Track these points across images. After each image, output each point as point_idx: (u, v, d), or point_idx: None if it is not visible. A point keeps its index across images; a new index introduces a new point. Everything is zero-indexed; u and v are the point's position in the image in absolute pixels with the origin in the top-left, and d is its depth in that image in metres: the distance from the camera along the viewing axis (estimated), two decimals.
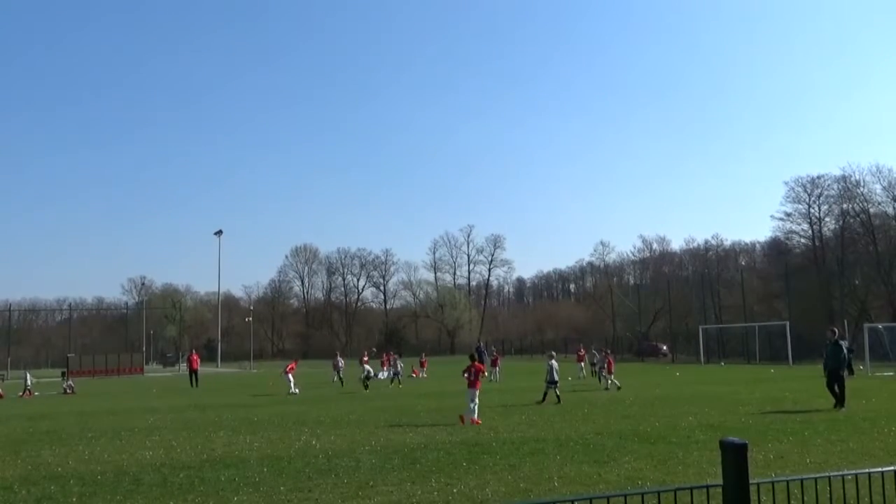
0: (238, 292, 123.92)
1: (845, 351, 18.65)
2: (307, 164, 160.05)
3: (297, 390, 28.78)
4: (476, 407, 15.74)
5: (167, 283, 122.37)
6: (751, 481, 3.34)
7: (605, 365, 27.17)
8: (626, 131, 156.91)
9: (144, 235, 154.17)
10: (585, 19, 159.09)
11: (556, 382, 20.59)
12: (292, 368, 30.83)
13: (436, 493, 8.29)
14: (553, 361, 20.92)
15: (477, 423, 15.22)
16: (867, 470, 3.98)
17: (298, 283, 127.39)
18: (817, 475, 4.04)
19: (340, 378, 33.46)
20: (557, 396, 20.36)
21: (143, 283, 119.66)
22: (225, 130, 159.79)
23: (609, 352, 30.57)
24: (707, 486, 3.38)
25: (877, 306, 58.79)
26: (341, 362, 34.89)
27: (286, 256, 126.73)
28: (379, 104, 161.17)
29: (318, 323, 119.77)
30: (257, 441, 13.38)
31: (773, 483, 3.73)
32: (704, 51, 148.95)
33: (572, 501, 3.17)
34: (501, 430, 14.25)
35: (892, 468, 3.99)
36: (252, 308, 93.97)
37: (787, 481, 3.85)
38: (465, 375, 16.39)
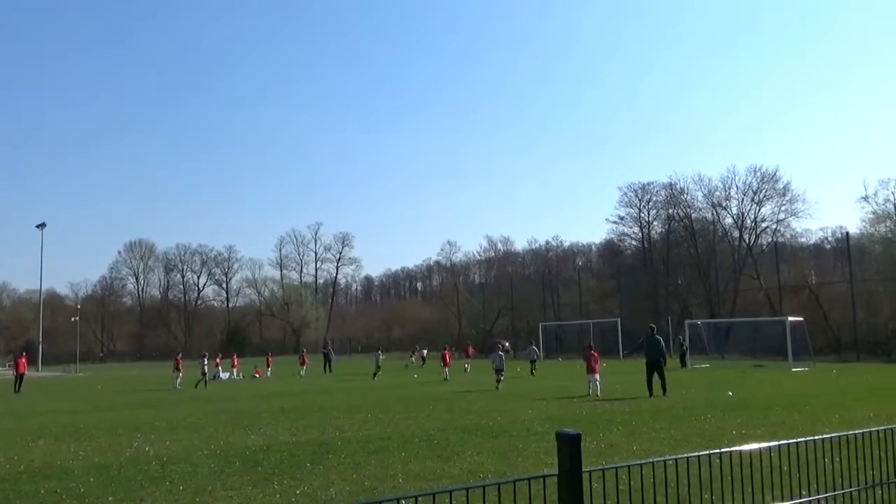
0: (63, 290, 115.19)
1: (663, 344, 20.90)
2: (146, 154, 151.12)
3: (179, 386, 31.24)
4: (598, 385, 20.56)
5: None
6: (584, 469, 3.50)
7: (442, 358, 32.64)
8: (470, 130, 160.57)
9: None
10: (424, 19, 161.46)
11: (501, 370, 24.98)
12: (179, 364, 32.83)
13: (278, 495, 8.08)
14: (502, 353, 25.63)
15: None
16: (685, 455, 4.30)
17: (133, 280, 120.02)
18: (643, 461, 4.32)
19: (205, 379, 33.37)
20: (498, 383, 24.27)
21: None
22: (52, 118, 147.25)
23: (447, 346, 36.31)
24: (544, 476, 3.50)
25: (696, 304, 64.04)
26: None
27: (119, 252, 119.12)
28: (217, 95, 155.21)
29: (153, 322, 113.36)
30: (83, 449, 12.44)
31: (603, 470, 3.93)
32: (546, 57, 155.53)
33: (415, 497, 3.17)
34: (346, 428, 14.15)
35: (706, 452, 4.34)
36: (79, 307, 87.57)
37: (616, 468, 4.09)
38: (585, 363, 21.49)
